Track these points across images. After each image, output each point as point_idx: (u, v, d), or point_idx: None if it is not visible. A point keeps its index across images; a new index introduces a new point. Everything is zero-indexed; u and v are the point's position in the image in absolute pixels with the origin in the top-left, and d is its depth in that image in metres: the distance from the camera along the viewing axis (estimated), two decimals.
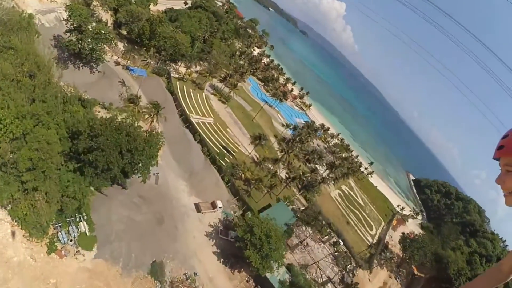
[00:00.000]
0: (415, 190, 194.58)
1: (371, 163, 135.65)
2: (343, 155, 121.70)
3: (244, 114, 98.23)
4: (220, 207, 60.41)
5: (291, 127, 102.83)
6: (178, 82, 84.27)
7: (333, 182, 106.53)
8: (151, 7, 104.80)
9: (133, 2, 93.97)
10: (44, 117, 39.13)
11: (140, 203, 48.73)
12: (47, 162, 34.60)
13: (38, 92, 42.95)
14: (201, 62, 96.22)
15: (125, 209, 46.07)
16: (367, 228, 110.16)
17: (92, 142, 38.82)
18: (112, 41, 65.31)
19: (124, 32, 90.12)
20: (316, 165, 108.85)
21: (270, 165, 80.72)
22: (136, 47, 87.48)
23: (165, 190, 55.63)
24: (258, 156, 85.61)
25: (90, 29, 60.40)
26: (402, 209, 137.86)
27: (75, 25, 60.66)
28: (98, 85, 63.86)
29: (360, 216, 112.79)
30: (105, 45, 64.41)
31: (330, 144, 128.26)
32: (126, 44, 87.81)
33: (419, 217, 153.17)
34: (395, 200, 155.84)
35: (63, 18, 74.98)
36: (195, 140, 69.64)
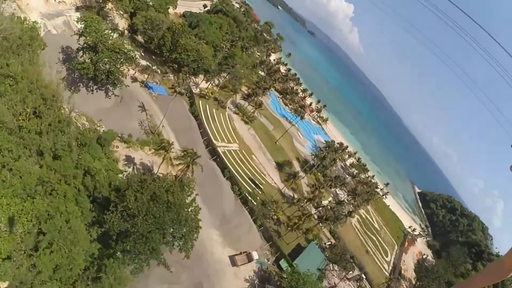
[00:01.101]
0: (420, 204, 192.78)
1: (386, 184, 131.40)
2: (362, 177, 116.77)
3: (267, 135, 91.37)
4: (256, 259, 54.61)
5: (315, 154, 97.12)
6: (200, 101, 76.38)
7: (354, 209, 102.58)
8: (170, 10, 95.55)
9: (151, 4, 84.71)
10: (59, 186, 31.50)
11: (178, 271, 42.16)
12: (74, 261, 27.26)
13: (47, 142, 34.84)
14: (223, 75, 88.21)
15: (165, 283, 39.60)
16: (383, 255, 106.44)
17: (127, 223, 31.34)
18: (134, 60, 55.66)
19: (140, 39, 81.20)
20: (337, 190, 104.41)
21: (301, 204, 74.84)
22: (153, 57, 78.96)
23: (198, 245, 49.05)
24: (285, 186, 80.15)
25: (108, 48, 50.05)
26: (414, 230, 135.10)
27: (89, 43, 50.22)
28: (115, 111, 55.01)
29: (377, 242, 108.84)
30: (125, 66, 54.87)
31: (347, 163, 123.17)
32: (143, 54, 79.14)
33: (426, 234, 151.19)
34: (405, 217, 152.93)
35: (74, 21, 64.51)
36: (224, 176, 62.86)
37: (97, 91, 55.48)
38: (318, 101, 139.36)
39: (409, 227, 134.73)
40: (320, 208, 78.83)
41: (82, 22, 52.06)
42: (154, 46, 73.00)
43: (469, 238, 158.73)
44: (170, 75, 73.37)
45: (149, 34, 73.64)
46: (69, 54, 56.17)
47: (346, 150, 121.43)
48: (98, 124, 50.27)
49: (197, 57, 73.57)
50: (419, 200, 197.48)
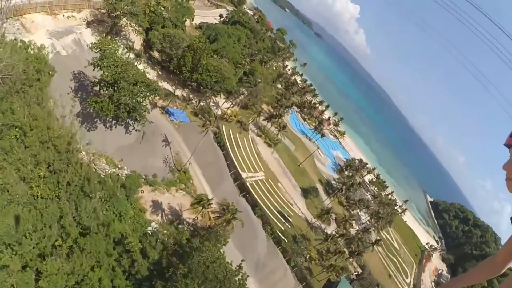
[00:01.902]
0: (433, 215, 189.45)
1: (405, 201, 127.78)
2: (383, 196, 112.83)
3: (290, 158, 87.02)
4: None
5: (339, 182, 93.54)
6: (224, 126, 71.91)
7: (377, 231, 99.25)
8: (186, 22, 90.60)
9: (167, 17, 79.75)
10: (93, 274, 26.93)
11: None
12: None
13: (70, 216, 29.46)
14: (244, 93, 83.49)
15: None
16: (404, 277, 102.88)
17: None
18: (158, 92, 50.06)
19: (156, 55, 76.06)
20: (358, 212, 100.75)
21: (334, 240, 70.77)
22: (171, 75, 73.93)
23: None
24: (312, 214, 76.45)
25: (129, 82, 43.33)
26: (431, 246, 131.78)
27: (108, 80, 43.44)
28: (137, 149, 49.39)
29: (397, 263, 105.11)
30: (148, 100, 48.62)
31: (365, 179, 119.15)
32: (160, 72, 74.27)
33: (442, 250, 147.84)
34: (420, 231, 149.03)
35: (85, 40, 58.45)
36: (255, 214, 58.72)
37: (116, 127, 50.31)
38: (335, 114, 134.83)
39: (426, 244, 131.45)
40: (349, 240, 75.22)
41: (97, 50, 45.73)
42: (173, 66, 68.10)
43: (483, 251, 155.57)
44: (194, 101, 68.73)
45: (168, 52, 68.94)
46: (82, 81, 49.97)
47: (365, 167, 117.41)
48: (119, 166, 45.61)
49: (219, 78, 68.94)
50: (431, 210, 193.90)
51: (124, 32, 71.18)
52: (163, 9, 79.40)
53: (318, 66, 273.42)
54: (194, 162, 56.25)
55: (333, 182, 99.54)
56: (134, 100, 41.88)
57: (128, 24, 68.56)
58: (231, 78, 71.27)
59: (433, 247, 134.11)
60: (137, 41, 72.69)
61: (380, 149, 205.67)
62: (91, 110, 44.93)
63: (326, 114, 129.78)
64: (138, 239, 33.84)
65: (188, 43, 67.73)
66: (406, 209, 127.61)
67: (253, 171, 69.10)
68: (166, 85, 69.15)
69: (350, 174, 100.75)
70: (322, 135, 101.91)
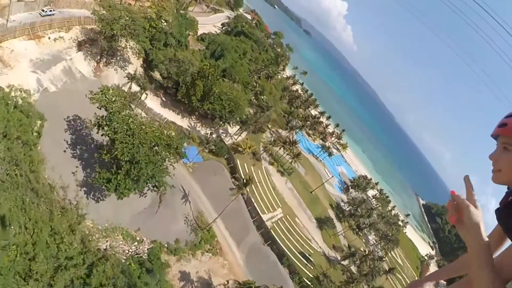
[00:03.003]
0: (426, 219, 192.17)
1: (407, 215, 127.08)
2: (389, 215, 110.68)
3: (302, 185, 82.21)
4: None
5: (347, 201, 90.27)
6: (238, 161, 65.76)
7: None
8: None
9: (169, 33, 71.72)
10: None
11: None
12: None
13: None
14: (257, 121, 77.18)
15: None
16: None
17: None
18: (180, 152, 40.70)
19: (158, 76, 68.02)
20: (366, 233, 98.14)
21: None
22: (175, 101, 66.14)
23: None
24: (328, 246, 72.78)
25: (145, 144, 34.92)
26: (429, 257, 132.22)
27: (124, 157, 33.76)
28: (154, 213, 41.96)
29: (403, 280, 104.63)
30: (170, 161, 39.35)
31: (369, 194, 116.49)
32: (164, 98, 66.54)
33: (439, 258, 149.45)
34: (417, 240, 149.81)
35: (77, 70, 51.16)
36: (283, 265, 53.79)
37: None
38: (337, 125, 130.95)
39: (426, 255, 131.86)
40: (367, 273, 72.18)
41: (99, 105, 36.66)
42: (181, 95, 60.78)
43: None
44: (204, 132, 62.11)
45: (174, 78, 61.36)
46: (80, 130, 42.20)
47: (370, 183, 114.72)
48: (138, 238, 38.84)
49: (233, 108, 62.59)
50: (425, 215, 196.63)
51: (120, 53, 62.99)
52: (165, 23, 71.47)
53: (309, 66, 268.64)
54: (214, 214, 50.25)
55: (342, 204, 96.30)
56: (154, 169, 34.72)
57: (127, 46, 60.01)
58: (244, 105, 65.04)
59: (429, 255, 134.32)
60: (136, 62, 64.52)
61: (374, 153, 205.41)
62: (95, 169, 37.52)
63: (328, 125, 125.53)
64: None
65: (198, 68, 60.42)
66: (408, 222, 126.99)
67: (271, 210, 63.99)
68: (171, 114, 62.00)
69: (357, 195, 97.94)
70: (330, 154, 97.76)
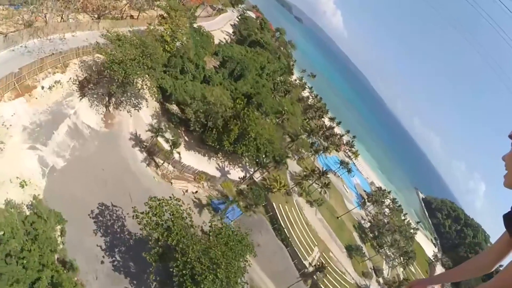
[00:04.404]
0: (427, 214, 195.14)
1: (418, 222, 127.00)
2: (405, 227, 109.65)
3: (329, 211, 78.29)
4: None
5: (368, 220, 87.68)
6: (274, 203, 60.46)
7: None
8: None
9: (187, 57, 63.91)
10: None
11: None
12: None
13: None
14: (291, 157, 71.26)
15: None
16: None
17: None
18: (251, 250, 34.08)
19: (174, 108, 57.86)
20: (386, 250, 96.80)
21: None
22: (197, 135, 57.67)
23: None
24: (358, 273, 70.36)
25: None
26: (436, 259, 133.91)
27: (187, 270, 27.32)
28: None
29: None
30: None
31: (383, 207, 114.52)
32: (187, 138, 55.65)
33: (442, 256, 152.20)
34: (422, 239, 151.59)
35: (84, 125, 40.55)
36: None
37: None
38: (347, 132, 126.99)
39: (433, 256, 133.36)
40: None
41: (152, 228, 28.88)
42: (211, 140, 53.52)
43: (478, 252, 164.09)
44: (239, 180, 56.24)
45: (202, 122, 53.39)
46: (111, 224, 34.01)
47: (385, 193, 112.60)
48: None
49: (271, 150, 56.83)
50: (425, 210, 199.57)
51: (132, 92, 50.28)
52: (180, 46, 63.50)
53: (304, 57, 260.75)
54: (261, 272, 45.65)
55: (362, 221, 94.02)
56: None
57: (143, 85, 47.70)
58: (278, 143, 59.43)
59: (435, 256, 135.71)
60: (149, 93, 50.84)
61: (373, 146, 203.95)
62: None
63: (339, 133, 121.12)
64: None
65: (229, 108, 53.48)
66: (418, 229, 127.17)
67: (310, 252, 60.12)
68: (198, 159, 54.79)
69: (376, 211, 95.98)
70: (349, 171, 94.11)
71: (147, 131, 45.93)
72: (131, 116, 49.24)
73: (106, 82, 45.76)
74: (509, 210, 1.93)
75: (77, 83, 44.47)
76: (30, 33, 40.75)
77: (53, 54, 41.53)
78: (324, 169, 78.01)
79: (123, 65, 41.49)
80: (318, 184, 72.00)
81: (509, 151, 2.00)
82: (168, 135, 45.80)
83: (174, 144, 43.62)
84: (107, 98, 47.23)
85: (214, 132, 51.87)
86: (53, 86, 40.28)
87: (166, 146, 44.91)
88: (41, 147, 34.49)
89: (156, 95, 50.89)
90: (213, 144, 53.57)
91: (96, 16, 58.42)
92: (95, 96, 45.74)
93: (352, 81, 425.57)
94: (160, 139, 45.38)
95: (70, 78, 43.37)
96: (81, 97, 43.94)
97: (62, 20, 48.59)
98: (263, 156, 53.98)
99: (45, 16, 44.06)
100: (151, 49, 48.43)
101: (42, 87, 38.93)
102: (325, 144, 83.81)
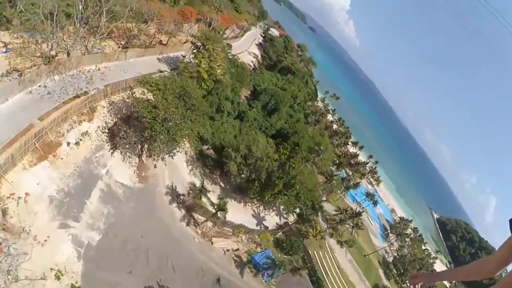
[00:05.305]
0: (441, 236, 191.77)
1: (437, 251, 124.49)
2: (423, 257, 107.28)
3: (357, 250, 76.48)
4: None
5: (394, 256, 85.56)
6: (309, 250, 58.75)
7: None
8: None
9: (224, 95, 61.82)
10: None
11: None
12: None
13: None
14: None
15: None
16: None
17: None
18: None
19: (210, 152, 54.16)
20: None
21: None
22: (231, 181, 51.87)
23: None
24: None
25: None
26: (452, 285, 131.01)
27: None
28: None
29: None
30: None
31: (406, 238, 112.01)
32: (222, 183, 52.36)
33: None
34: (438, 266, 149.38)
35: (117, 184, 35.01)
36: None
37: None
38: (370, 157, 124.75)
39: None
40: None
41: None
42: (253, 192, 51.32)
43: (492, 279, 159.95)
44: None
45: (246, 175, 50.99)
46: None
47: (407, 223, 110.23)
48: None
49: (312, 199, 55.19)
50: (440, 232, 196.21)
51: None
52: (217, 82, 61.08)
53: (319, 69, 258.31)
54: None
55: (385, 255, 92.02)
56: None
57: (185, 138, 42.35)
58: (316, 191, 57.83)
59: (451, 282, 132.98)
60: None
61: (390, 166, 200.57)
62: None
63: (363, 161, 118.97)
64: None
65: (273, 160, 51.61)
66: (437, 257, 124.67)
67: None
68: (235, 208, 52.29)
69: (399, 244, 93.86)
70: (375, 204, 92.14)
71: (189, 191, 43.54)
72: (165, 164, 43.65)
73: (138, 128, 38.34)
74: None
75: (107, 131, 37.89)
76: (50, 70, 34.54)
77: (77, 96, 35.11)
78: (354, 205, 76.35)
79: (166, 124, 36.93)
80: (350, 224, 70.05)
81: None
82: (211, 196, 43.75)
83: (221, 209, 41.69)
84: (139, 146, 40.77)
85: (256, 184, 50.12)
86: (80, 139, 33.81)
87: (210, 207, 42.88)
88: (73, 224, 28.72)
89: (196, 145, 48.92)
90: (253, 196, 51.99)
91: (122, 43, 53.91)
92: (127, 146, 39.05)
93: (365, 93, 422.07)
94: (203, 199, 43.38)
95: (99, 127, 37.14)
96: (112, 150, 37.60)
97: (86, 50, 42.94)
98: (304, 207, 52.38)
99: (68, 47, 38.16)
100: (192, 94, 45.01)
101: (68, 143, 32.35)
102: (354, 181, 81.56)
